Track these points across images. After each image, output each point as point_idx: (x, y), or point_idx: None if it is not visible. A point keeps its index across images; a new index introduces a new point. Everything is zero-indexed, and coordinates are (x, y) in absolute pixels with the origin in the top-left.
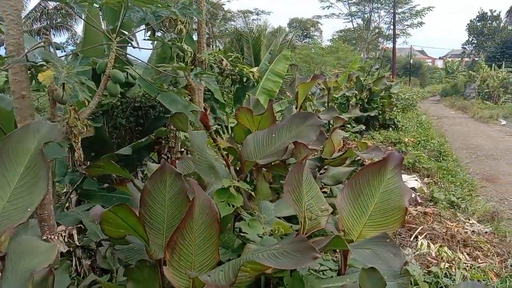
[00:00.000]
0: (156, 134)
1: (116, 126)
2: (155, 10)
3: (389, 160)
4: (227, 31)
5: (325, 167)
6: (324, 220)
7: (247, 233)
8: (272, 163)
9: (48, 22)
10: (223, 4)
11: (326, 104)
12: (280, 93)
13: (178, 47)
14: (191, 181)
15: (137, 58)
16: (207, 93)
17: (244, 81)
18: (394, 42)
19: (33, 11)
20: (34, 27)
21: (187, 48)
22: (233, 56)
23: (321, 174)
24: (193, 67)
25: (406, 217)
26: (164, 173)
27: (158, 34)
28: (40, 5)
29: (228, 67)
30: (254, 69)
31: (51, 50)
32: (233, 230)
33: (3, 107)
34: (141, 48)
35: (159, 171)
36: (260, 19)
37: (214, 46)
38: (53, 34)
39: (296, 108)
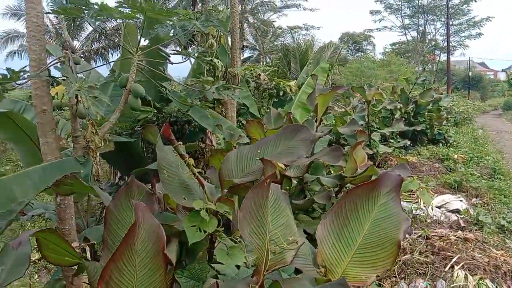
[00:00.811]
0: (186, 149)
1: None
2: (183, 24)
3: (383, 182)
4: (277, 47)
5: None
6: (291, 255)
7: (222, 263)
8: (239, 184)
9: (107, 42)
10: (273, 21)
11: (366, 118)
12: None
13: (208, 62)
14: (136, 203)
15: (166, 74)
16: (243, 107)
17: (281, 94)
18: (448, 54)
19: (93, 32)
20: (94, 47)
21: (217, 62)
22: (269, 70)
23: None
24: (224, 81)
25: (442, 243)
26: (130, 192)
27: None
28: (100, 26)
29: (266, 81)
30: (292, 83)
31: (71, 64)
32: (208, 259)
33: (29, 120)
34: (174, 62)
35: (125, 189)
36: (309, 34)
37: (264, 62)
38: (111, 53)
39: (316, 121)
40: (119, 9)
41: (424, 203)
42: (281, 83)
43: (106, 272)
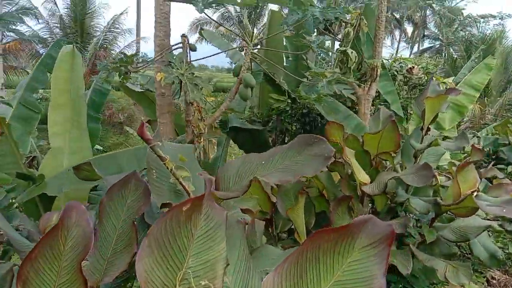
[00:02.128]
0: None
1: (282, 130)
2: (313, 11)
3: (362, 231)
4: (461, 38)
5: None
6: None
7: None
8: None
9: None
10: (462, 9)
11: None
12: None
13: (342, 52)
14: (70, 203)
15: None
16: (382, 103)
17: None
18: None
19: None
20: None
21: (351, 53)
22: (425, 63)
23: (442, 224)
24: (358, 73)
25: None
26: (126, 186)
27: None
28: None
29: (418, 76)
30: (449, 80)
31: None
32: None
33: None
34: (302, 52)
35: (121, 183)
36: (502, 25)
37: (446, 54)
38: None
39: (421, 129)
40: None
41: None
42: (434, 79)
43: (22, 271)
